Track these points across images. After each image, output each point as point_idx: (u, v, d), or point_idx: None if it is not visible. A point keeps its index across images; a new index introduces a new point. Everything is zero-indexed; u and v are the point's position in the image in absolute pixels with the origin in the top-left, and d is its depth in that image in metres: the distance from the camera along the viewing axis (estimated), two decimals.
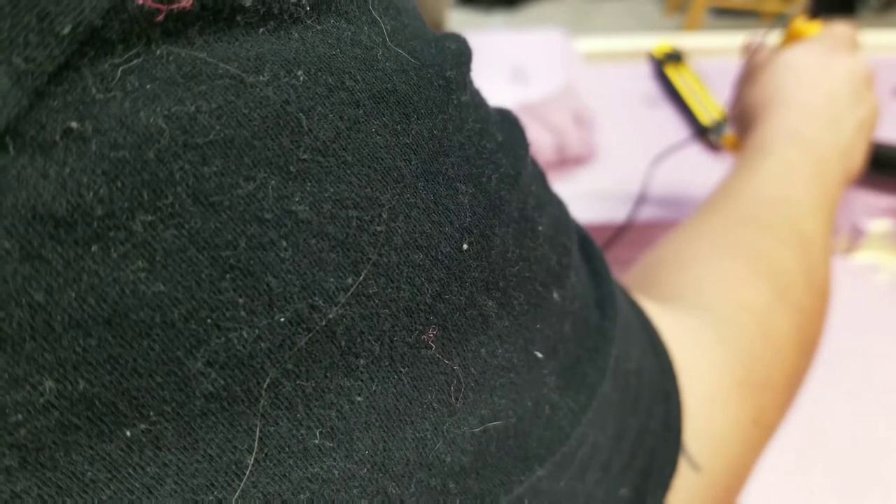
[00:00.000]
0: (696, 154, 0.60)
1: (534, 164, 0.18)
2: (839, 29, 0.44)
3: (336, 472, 0.13)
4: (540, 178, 0.17)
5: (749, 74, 0.44)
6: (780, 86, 0.40)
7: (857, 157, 0.40)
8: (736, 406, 0.22)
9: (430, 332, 0.14)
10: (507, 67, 0.73)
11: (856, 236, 0.53)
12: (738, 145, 0.45)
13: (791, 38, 0.46)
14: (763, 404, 0.23)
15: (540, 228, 0.16)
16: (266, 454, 0.12)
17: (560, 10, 2.69)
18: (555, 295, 0.16)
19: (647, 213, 0.55)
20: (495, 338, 0.15)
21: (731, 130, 0.47)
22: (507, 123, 0.17)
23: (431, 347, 0.14)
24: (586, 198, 0.58)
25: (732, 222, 0.31)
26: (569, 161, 0.61)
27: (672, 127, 0.66)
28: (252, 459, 0.12)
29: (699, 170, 0.58)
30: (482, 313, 0.14)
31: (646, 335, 0.21)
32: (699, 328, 0.23)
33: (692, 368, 0.22)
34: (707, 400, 0.21)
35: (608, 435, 0.17)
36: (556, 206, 0.18)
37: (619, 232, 0.53)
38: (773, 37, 0.47)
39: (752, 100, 0.41)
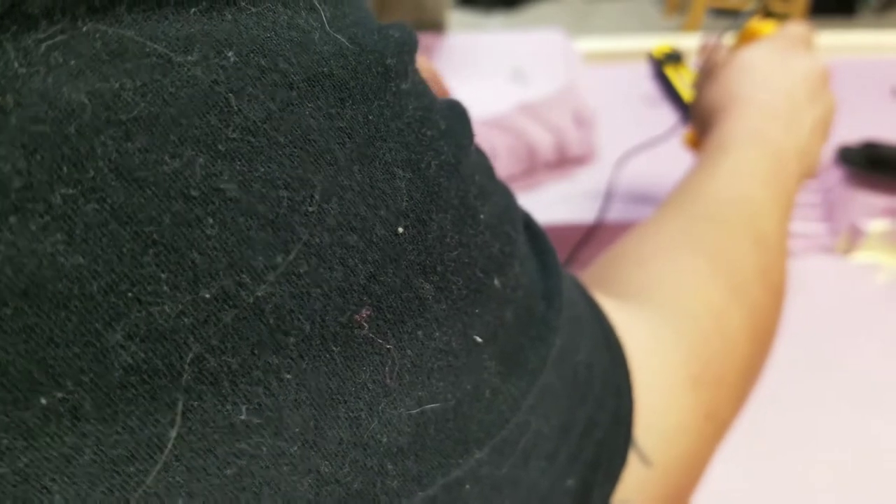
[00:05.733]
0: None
1: (479, 153, 0.18)
2: (795, 28, 0.45)
3: (264, 449, 0.13)
4: (485, 168, 0.17)
5: (707, 74, 0.45)
6: (739, 85, 0.41)
7: (815, 156, 0.40)
8: (689, 401, 0.22)
9: (364, 312, 0.14)
10: (507, 67, 0.73)
11: (855, 236, 0.53)
12: (698, 143, 0.46)
13: (746, 38, 0.47)
14: (716, 400, 0.24)
15: (481, 216, 0.16)
16: (189, 428, 0.12)
17: (560, 10, 2.69)
18: (496, 282, 0.16)
19: (646, 212, 0.55)
20: (433, 321, 0.15)
21: (690, 127, 0.47)
22: (454, 114, 0.17)
23: (364, 327, 0.14)
24: (586, 197, 0.58)
25: (691, 220, 0.31)
26: (569, 161, 0.62)
27: (671, 127, 0.66)
28: (174, 433, 0.12)
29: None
30: (419, 296, 0.15)
31: (599, 329, 0.21)
32: (655, 323, 0.24)
33: (646, 363, 0.22)
34: (660, 395, 0.21)
35: (553, 425, 0.17)
36: (502, 197, 0.18)
37: (591, 232, 0.53)
38: (730, 37, 0.48)
39: (711, 99, 0.42)
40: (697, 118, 0.44)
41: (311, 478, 0.13)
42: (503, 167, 0.58)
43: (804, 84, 0.41)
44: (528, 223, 0.20)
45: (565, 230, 0.55)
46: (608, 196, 0.55)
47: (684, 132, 0.52)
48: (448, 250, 0.15)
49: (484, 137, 0.57)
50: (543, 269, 0.19)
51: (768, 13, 0.51)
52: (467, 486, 0.15)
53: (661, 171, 0.57)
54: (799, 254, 0.54)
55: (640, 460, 0.20)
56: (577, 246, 0.53)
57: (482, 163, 0.17)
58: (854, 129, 0.58)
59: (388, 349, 0.14)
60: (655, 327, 0.23)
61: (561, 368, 0.18)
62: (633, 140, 0.57)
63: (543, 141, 0.59)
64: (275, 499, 0.13)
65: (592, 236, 0.53)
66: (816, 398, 0.44)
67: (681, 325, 0.24)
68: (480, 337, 0.16)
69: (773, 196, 0.33)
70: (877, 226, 0.53)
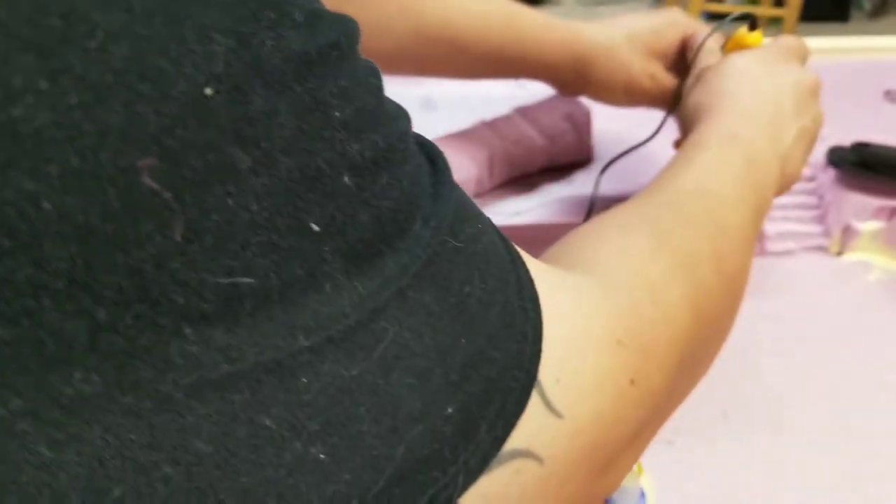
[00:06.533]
0: None
1: (366, 70, 0.18)
2: (788, 40, 0.46)
3: (22, 276, 0.13)
4: (362, 81, 0.18)
5: (696, 77, 0.45)
6: (725, 90, 0.42)
7: (797, 164, 0.41)
8: (610, 363, 0.22)
9: (148, 160, 0.13)
10: None
11: (848, 236, 0.54)
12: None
13: (733, 48, 0.48)
14: (644, 367, 0.24)
15: (336, 114, 0.16)
16: None
17: (557, 14, 2.70)
18: (346, 179, 0.16)
19: None
20: (249, 192, 0.15)
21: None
22: (331, 21, 0.17)
23: (143, 174, 0.13)
24: (583, 199, 0.58)
25: (649, 206, 0.32)
26: (567, 163, 0.62)
27: (669, 128, 0.67)
28: None
29: None
30: (231, 163, 0.14)
31: (513, 277, 0.21)
32: (584, 287, 0.24)
33: (568, 320, 0.22)
34: (578, 352, 0.22)
35: (427, 344, 0.17)
36: (383, 115, 0.18)
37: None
38: (717, 38, 0.49)
39: (697, 101, 0.43)
40: (684, 119, 0.44)
41: (84, 322, 0.13)
42: (500, 170, 0.58)
43: (792, 94, 0.41)
44: (433, 158, 0.21)
45: (565, 231, 0.56)
46: (594, 198, 0.55)
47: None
48: (279, 129, 0.15)
49: (482, 139, 0.58)
50: (436, 197, 0.19)
51: (753, 25, 0.52)
52: (304, 379, 0.15)
53: (655, 170, 0.57)
54: (792, 254, 0.54)
55: (547, 410, 0.20)
56: None
57: (359, 76, 0.18)
58: (846, 131, 0.59)
59: (177, 205, 0.14)
60: (584, 290, 0.24)
61: (440, 291, 0.18)
62: (630, 141, 0.57)
63: (540, 143, 0.59)
64: (38, 334, 0.13)
65: None
66: (810, 397, 0.44)
67: (611, 291, 0.24)
68: (318, 226, 0.16)
69: (742, 193, 0.34)
70: (869, 226, 0.53)
